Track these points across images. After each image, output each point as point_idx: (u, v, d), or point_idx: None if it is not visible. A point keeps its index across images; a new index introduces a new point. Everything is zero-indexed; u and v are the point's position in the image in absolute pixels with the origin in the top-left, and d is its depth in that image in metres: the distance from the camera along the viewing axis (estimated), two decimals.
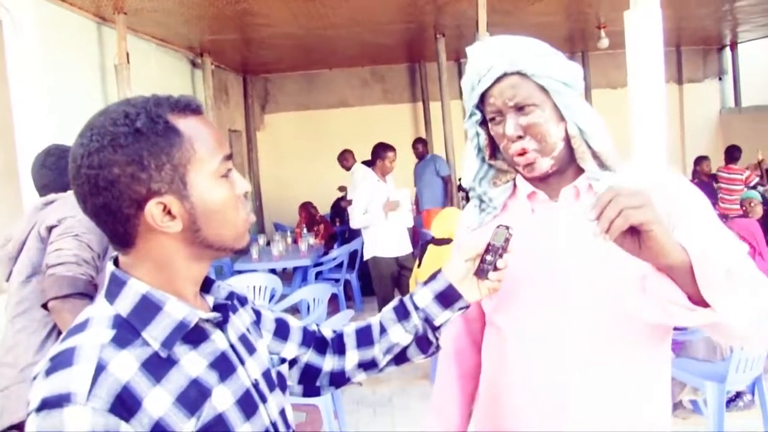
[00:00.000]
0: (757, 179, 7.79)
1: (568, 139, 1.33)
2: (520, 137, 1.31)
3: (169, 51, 7.63)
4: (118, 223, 0.96)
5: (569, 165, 1.37)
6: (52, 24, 5.11)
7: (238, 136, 10.33)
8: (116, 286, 0.98)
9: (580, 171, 1.37)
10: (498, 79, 1.32)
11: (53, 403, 0.85)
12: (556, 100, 1.31)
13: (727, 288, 1.07)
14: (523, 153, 1.31)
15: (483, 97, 1.36)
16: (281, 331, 1.26)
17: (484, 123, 1.40)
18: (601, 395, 1.32)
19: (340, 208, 8.98)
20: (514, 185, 1.45)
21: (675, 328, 1.46)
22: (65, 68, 5.23)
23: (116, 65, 5.67)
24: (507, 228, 1.26)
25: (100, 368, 0.88)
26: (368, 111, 11.13)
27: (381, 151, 5.86)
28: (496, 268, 1.25)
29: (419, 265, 4.93)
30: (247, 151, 10.73)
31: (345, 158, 8.22)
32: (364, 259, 5.97)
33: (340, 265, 7.16)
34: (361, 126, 10.64)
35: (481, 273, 1.26)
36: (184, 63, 8.23)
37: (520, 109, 1.30)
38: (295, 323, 1.30)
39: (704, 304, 1.07)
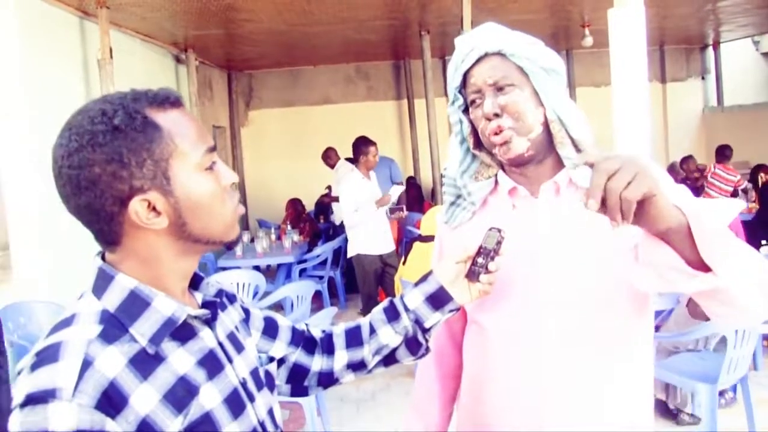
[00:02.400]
0: (746, 183, 7.85)
1: (547, 127, 1.34)
2: (496, 115, 1.31)
3: (153, 46, 7.57)
4: (102, 221, 0.95)
5: (548, 154, 1.37)
6: (33, 18, 5.05)
7: (222, 133, 10.27)
8: (103, 281, 0.97)
9: (560, 164, 1.37)
10: (479, 60, 1.33)
11: (38, 398, 0.83)
12: (535, 83, 1.32)
13: (726, 249, 1.03)
14: (499, 131, 1.32)
15: (465, 80, 1.37)
16: (270, 329, 1.26)
17: (467, 111, 1.40)
18: (581, 394, 1.32)
19: (324, 205, 8.96)
20: (496, 182, 1.45)
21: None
22: (47, 63, 5.17)
23: (99, 60, 5.61)
24: (499, 231, 1.25)
25: (86, 364, 0.87)
26: (352, 108, 11.11)
27: (362, 146, 5.83)
28: (487, 271, 1.25)
29: (404, 263, 4.94)
30: (231, 147, 10.67)
31: (328, 156, 8.20)
32: (348, 256, 5.96)
33: (324, 262, 7.15)
34: (346, 123, 10.61)
35: (472, 275, 1.26)
36: (168, 59, 8.17)
37: (499, 89, 1.32)
38: (284, 322, 1.30)
39: (704, 270, 1.03)
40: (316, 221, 8.68)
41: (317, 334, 1.33)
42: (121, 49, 6.04)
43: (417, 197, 9.11)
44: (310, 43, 8.65)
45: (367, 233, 5.72)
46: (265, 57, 9.69)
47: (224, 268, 6.37)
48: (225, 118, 10.56)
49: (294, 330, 1.30)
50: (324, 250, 7.17)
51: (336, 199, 7.82)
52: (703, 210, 1.05)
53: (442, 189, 1.53)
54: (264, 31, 7.50)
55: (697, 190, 7.78)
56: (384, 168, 7.56)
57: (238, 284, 5.42)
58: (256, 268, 6.69)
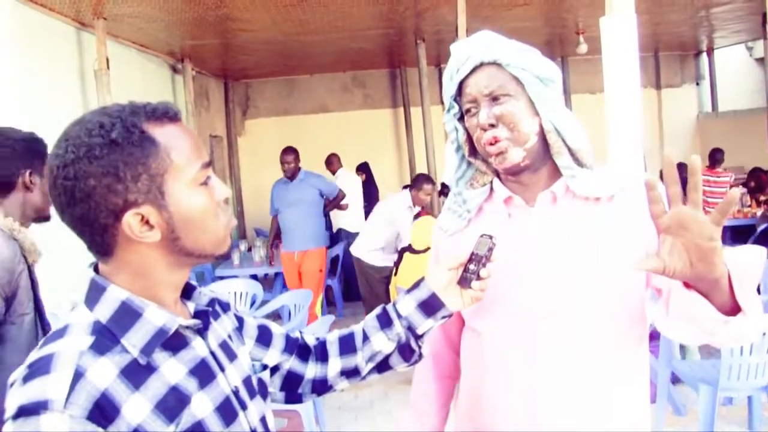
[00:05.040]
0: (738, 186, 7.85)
1: (543, 136, 1.34)
2: (492, 125, 1.32)
3: (149, 56, 7.59)
4: (96, 233, 0.96)
5: (544, 163, 1.37)
6: (30, 29, 5.07)
7: (218, 142, 10.28)
8: (96, 292, 0.98)
9: (556, 172, 1.38)
10: (475, 69, 1.33)
11: (30, 410, 0.84)
12: (531, 93, 1.32)
13: (753, 290, 1.07)
14: (494, 142, 1.32)
15: (461, 89, 1.37)
16: (264, 337, 1.26)
17: (462, 119, 1.41)
18: (576, 398, 1.33)
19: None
20: (491, 189, 1.46)
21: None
22: (43, 74, 5.19)
23: (96, 71, 5.63)
24: (491, 237, 1.26)
25: (78, 375, 0.88)
26: (349, 116, 11.13)
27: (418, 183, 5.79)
28: (479, 277, 1.25)
29: (395, 273, 4.95)
30: (228, 156, 10.68)
31: (330, 162, 8.23)
32: (353, 254, 5.94)
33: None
34: (342, 131, 10.65)
35: (464, 282, 1.26)
36: (164, 69, 8.19)
37: (495, 99, 1.32)
38: (277, 330, 1.30)
39: (732, 313, 1.07)
40: None
41: (311, 341, 1.34)
42: (117, 59, 6.06)
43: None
44: (306, 52, 8.68)
45: (384, 242, 5.75)
46: (261, 66, 9.71)
47: (222, 277, 6.36)
48: (222, 128, 10.57)
49: (288, 338, 1.31)
50: None
51: (336, 205, 7.79)
52: (735, 255, 1.09)
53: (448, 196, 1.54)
54: (260, 40, 7.52)
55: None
56: (310, 184, 6.16)
57: (235, 293, 5.42)
58: (254, 277, 6.69)
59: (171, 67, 8.35)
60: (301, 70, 10.57)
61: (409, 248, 4.93)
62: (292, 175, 6.07)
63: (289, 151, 6.10)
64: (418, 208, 5.71)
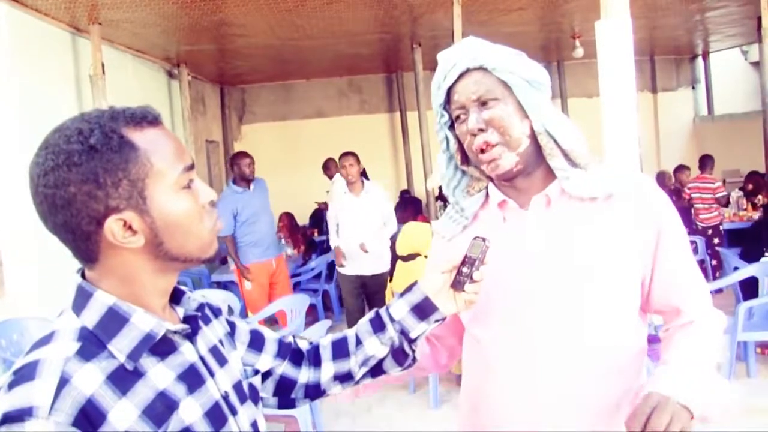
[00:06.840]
0: (724, 192, 7.84)
1: (534, 138, 1.34)
2: (481, 130, 1.31)
3: (145, 62, 7.59)
4: (79, 240, 0.95)
5: (537, 166, 1.37)
6: (25, 34, 5.07)
7: (215, 147, 10.28)
8: (83, 298, 0.97)
9: (551, 174, 1.37)
10: (462, 75, 1.34)
11: (14, 417, 0.83)
12: (519, 96, 1.32)
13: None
14: (486, 147, 1.32)
15: (449, 96, 1.37)
16: (256, 342, 1.26)
17: (453, 127, 1.40)
18: (576, 400, 1.33)
19: (319, 218, 8.96)
20: (487, 195, 1.45)
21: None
22: (39, 79, 5.18)
23: (91, 76, 5.63)
24: (483, 240, 1.25)
25: (63, 381, 0.87)
26: (345, 121, 11.15)
27: (340, 160, 5.66)
28: (472, 280, 1.24)
29: (391, 280, 4.94)
30: (225, 162, 10.68)
31: (328, 167, 8.22)
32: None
33: (318, 276, 7.14)
34: (339, 136, 10.64)
35: (457, 285, 1.26)
36: (160, 74, 8.19)
37: (483, 104, 1.32)
38: (270, 335, 1.29)
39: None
40: (311, 233, 8.68)
41: (304, 346, 1.33)
42: (113, 65, 6.06)
43: (413, 211, 9.05)
44: (303, 57, 8.69)
45: (346, 252, 5.65)
46: (257, 71, 9.72)
47: (218, 282, 6.34)
48: (218, 133, 10.57)
49: (281, 342, 1.30)
50: (318, 263, 7.17)
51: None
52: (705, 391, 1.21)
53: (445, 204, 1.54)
54: (256, 45, 7.53)
55: (683, 200, 7.85)
56: (262, 190, 5.95)
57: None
58: None
59: (167, 72, 8.35)
60: (297, 75, 10.58)
61: (398, 255, 4.92)
62: (250, 180, 5.70)
63: (246, 155, 5.77)
64: (346, 189, 5.70)
